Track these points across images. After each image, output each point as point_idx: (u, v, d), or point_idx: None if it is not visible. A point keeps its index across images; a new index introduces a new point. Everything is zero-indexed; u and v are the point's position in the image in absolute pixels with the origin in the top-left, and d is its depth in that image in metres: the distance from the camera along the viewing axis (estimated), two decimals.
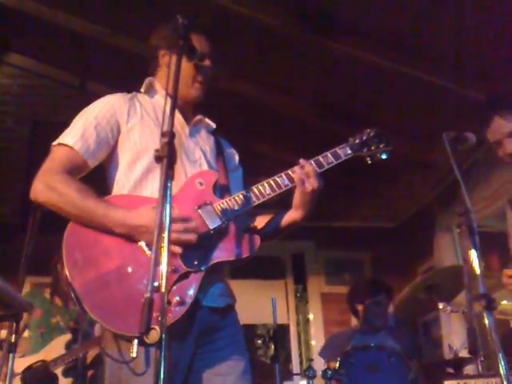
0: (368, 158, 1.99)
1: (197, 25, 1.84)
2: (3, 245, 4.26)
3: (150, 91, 1.99)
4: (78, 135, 1.79)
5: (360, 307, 3.96)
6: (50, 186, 1.71)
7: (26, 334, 3.46)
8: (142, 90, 1.99)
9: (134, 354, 1.23)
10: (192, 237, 1.64)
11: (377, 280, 4.65)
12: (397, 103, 3.88)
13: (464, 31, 3.26)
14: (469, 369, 3.57)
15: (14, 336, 2.30)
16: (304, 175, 1.81)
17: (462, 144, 2.13)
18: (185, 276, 1.65)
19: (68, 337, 3.27)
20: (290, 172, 1.84)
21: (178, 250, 1.62)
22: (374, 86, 3.84)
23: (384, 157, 1.99)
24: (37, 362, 3.07)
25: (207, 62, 1.94)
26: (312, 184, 1.81)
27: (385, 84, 3.79)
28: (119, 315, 1.58)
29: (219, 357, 1.76)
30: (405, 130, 3.99)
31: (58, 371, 3.10)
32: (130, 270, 1.64)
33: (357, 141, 1.97)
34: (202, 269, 1.68)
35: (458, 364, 3.44)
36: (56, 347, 3.20)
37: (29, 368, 3.06)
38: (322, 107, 4.25)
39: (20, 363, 2.98)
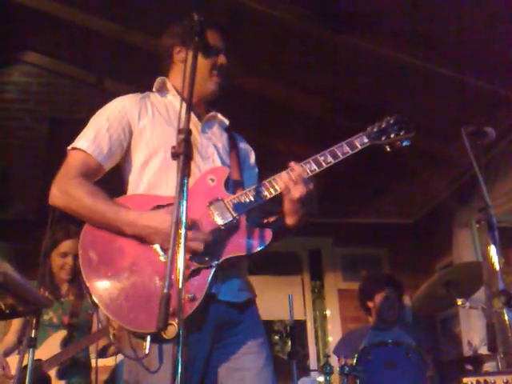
0: (387, 147, 1.91)
1: (211, 21, 1.84)
2: (21, 242, 4.32)
3: (162, 90, 2.00)
4: (90, 139, 1.82)
5: (371, 304, 3.98)
6: (64, 191, 1.75)
7: None
8: (154, 89, 2.00)
9: (147, 351, 1.24)
10: (199, 246, 1.64)
11: (383, 275, 4.67)
12: (414, 98, 3.84)
13: (483, 26, 3.22)
14: (488, 366, 3.53)
15: (34, 331, 2.33)
16: (291, 181, 1.75)
17: (480, 138, 2.10)
18: (196, 272, 1.66)
19: (63, 333, 3.10)
20: (280, 175, 1.79)
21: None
22: (390, 81, 3.81)
23: (405, 144, 1.89)
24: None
25: (222, 57, 1.95)
26: (299, 190, 1.74)
27: (402, 79, 3.75)
28: (132, 313, 1.60)
29: (238, 350, 1.76)
30: (422, 125, 3.94)
31: (52, 372, 2.97)
32: (141, 268, 1.66)
33: (375, 129, 1.90)
34: (213, 264, 1.68)
35: (478, 361, 3.41)
36: (51, 345, 3.05)
37: (23, 368, 2.99)
38: (338, 103, 4.22)
39: (15, 363, 2.76)
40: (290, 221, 1.82)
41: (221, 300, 1.73)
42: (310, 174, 1.80)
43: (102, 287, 1.63)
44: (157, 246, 1.67)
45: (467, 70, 3.57)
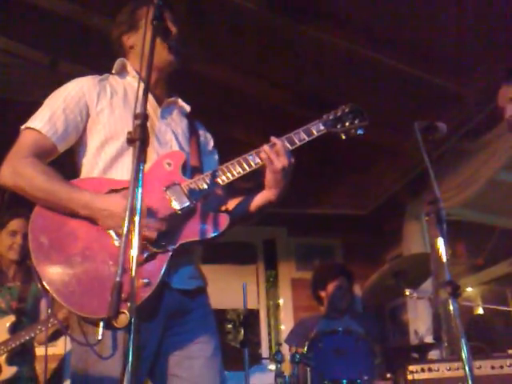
0: (342, 134, 1.96)
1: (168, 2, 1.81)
2: None
3: (122, 72, 1.96)
4: (45, 118, 1.77)
5: (323, 294, 4.05)
6: (16, 171, 1.69)
7: None
8: (114, 71, 1.96)
9: (100, 337, 1.22)
10: (152, 235, 1.62)
11: (336, 264, 4.77)
12: (369, 91, 3.90)
13: (438, 22, 3.30)
14: (433, 354, 3.66)
15: None
16: (273, 153, 1.79)
17: (432, 133, 2.15)
18: (152, 257, 1.64)
19: (11, 319, 3.02)
20: (260, 150, 1.82)
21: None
22: (347, 73, 3.85)
23: (360, 132, 1.95)
24: None
25: (172, 27, 1.91)
26: (282, 162, 1.78)
27: (358, 71, 3.80)
28: (84, 298, 1.57)
29: (188, 339, 1.76)
30: (376, 118, 4.02)
31: (1, 359, 2.91)
32: (94, 252, 1.63)
33: (330, 117, 1.94)
34: (170, 249, 1.67)
35: (423, 349, 3.53)
36: None
37: None
38: (295, 93, 4.25)
39: None
40: (270, 194, 1.85)
41: (173, 288, 1.73)
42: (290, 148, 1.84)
43: (52, 272, 1.59)
44: (111, 230, 1.65)
45: (421, 65, 3.65)
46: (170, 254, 1.67)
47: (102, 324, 1.20)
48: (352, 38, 3.53)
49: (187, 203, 1.72)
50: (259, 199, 1.90)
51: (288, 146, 1.84)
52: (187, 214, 1.72)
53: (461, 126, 3.97)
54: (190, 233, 1.72)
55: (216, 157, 2.07)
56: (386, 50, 3.57)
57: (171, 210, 1.70)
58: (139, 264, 1.41)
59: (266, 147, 1.81)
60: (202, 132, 2.06)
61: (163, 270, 1.65)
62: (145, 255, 1.63)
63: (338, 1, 3.34)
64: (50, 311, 2.90)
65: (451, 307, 1.80)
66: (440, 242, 1.88)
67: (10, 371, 2.91)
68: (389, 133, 4.33)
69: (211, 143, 2.09)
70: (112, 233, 1.65)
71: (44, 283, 1.58)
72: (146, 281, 1.60)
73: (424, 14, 3.26)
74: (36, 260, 1.60)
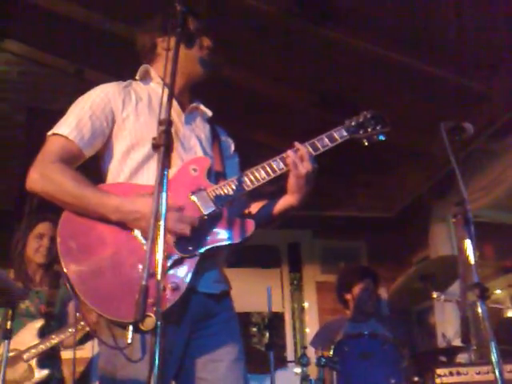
0: (365, 140, 1.98)
1: (192, 9, 1.83)
2: None
3: (146, 78, 1.99)
4: (72, 125, 1.79)
5: (349, 296, 4.02)
6: (45, 176, 1.71)
7: None
8: (137, 77, 1.99)
9: (130, 341, 1.23)
10: (186, 228, 1.63)
11: (361, 267, 4.74)
12: (394, 92, 3.88)
13: (462, 21, 3.26)
14: (461, 357, 3.60)
15: (9, 323, 2.31)
16: (298, 158, 1.81)
17: (459, 134, 2.12)
18: (179, 262, 1.66)
19: (41, 322, 3.05)
20: (284, 155, 1.84)
21: (170, 239, 1.62)
22: (371, 75, 3.83)
23: (382, 138, 1.97)
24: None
25: (206, 39, 1.96)
26: (306, 167, 1.81)
27: (383, 73, 3.78)
28: (113, 302, 1.59)
29: (212, 342, 1.77)
30: (402, 119, 3.99)
31: (32, 362, 2.95)
32: (123, 257, 1.65)
33: (353, 123, 1.96)
34: (197, 254, 1.68)
35: (451, 352, 3.47)
36: (28, 335, 3.01)
37: None
38: (319, 96, 4.24)
39: None
40: (293, 198, 1.87)
41: (200, 292, 1.74)
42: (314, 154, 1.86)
43: (81, 276, 1.61)
44: (138, 234, 1.66)
45: (447, 65, 3.61)
46: (198, 258, 1.68)
47: (131, 327, 1.21)
48: (373, 40, 3.52)
49: (213, 208, 1.73)
50: (281, 204, 1.91)
51: (312, 151, 1.85)
52: (213, 219, 1.74)
53: (488, 126, 3.91)
54: (217, 238, 1.74)
55: (237, 160, 2.09)
56: (409, 50, 3.54)
57: (197, 214, 1.71)
58: (167, 269, 1.44)
59: (290, 152, 1.82)
60: (223, 137, 2.08)
61: (191, 275, 1.66)
62: (172, 260, 1.64)
63: (358, 2, 3.32)
64: (78, 315, 2.94)
65: (480, 310, 1.77)
66: (468, 244, 1.85)
67: (41, 374, 2.96)
68: (414, 134, 4.29)
69: (232, 147, 2.11)
70: (140, 237, 1.66)
71: (73, 287, 1.61)
72: (174, 285, 1.61)
73: (447, 14, 3.23)
74: (65, 264, 1.63)
